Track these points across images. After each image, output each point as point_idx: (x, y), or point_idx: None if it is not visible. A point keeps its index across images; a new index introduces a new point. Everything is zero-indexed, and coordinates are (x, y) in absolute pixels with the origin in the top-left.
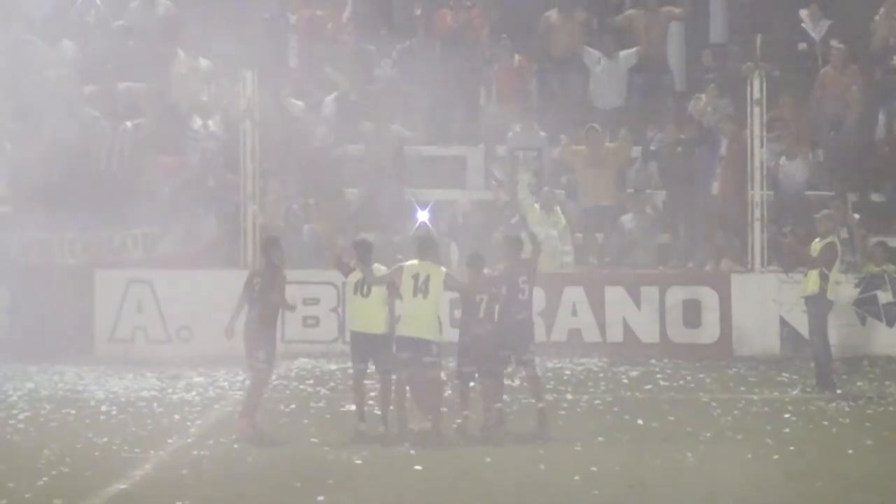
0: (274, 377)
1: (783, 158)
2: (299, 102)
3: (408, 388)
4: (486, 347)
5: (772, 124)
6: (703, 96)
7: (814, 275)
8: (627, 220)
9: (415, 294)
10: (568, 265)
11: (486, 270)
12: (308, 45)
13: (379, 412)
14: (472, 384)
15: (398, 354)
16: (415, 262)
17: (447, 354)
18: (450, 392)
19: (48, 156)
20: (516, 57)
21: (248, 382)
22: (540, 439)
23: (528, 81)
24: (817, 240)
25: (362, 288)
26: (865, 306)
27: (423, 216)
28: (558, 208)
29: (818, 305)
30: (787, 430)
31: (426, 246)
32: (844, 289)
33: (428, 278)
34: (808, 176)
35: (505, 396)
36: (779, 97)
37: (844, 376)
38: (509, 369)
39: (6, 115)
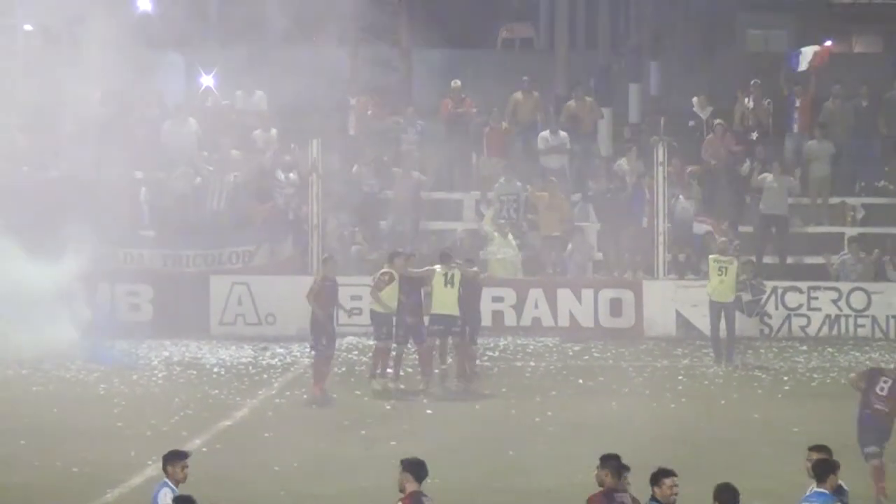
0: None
1: (680, 198)
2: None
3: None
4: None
5: (670, 178)
6: (624, 159)
7: None
8: (573, 243)
9: (445, 286)
10: (519, 272)
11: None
12: (362, 119)
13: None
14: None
15: (432, 326)
16: (441, 266)
17: None
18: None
19: (178, 196)
20: (503, 124)
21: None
22: (511, 394)
23: (510, 142)
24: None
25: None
26: (735, 304)
27: None
28: (510, 235)
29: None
30: (680, 387)
31: (447, 257)
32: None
33: (453, 276)
34: (694, 213)
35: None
36: (674, 159)
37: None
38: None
39: (151, 168)
